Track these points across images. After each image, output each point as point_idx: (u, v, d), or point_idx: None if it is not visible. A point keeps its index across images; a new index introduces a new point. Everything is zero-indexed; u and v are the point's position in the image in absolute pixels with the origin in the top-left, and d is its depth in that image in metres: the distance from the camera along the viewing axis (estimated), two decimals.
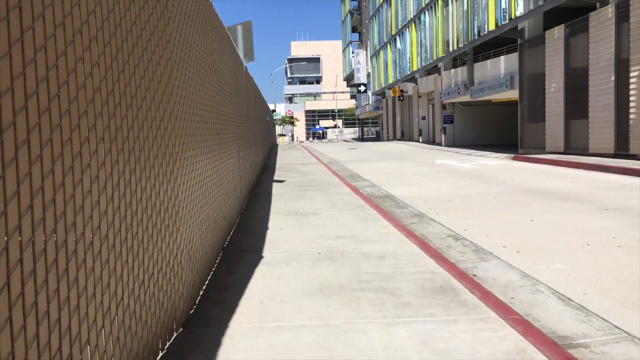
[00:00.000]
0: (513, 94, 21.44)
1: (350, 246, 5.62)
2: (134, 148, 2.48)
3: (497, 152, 22.12)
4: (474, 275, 4.95)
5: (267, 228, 6.68)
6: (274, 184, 11.94)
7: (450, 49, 25.89)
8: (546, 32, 18.16)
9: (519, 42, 20.25)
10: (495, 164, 16.86)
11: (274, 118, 54.48)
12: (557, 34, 17.49)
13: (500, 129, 29.87)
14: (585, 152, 16.11)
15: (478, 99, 25.04)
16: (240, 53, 10.43)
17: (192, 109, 3.95)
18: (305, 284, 4.27)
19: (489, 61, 23.97)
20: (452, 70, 28.69)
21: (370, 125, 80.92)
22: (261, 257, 5.15)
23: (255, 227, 6.78)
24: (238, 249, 5.56)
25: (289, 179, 13.18)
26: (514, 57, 21.33)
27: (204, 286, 4.26)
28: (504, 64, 22.32)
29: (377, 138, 58.51)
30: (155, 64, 2.93)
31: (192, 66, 3.97)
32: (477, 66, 25.29)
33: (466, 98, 26.23)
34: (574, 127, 16.87)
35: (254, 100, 12.57)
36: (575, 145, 16.79)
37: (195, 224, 4.01)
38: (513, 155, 18.87)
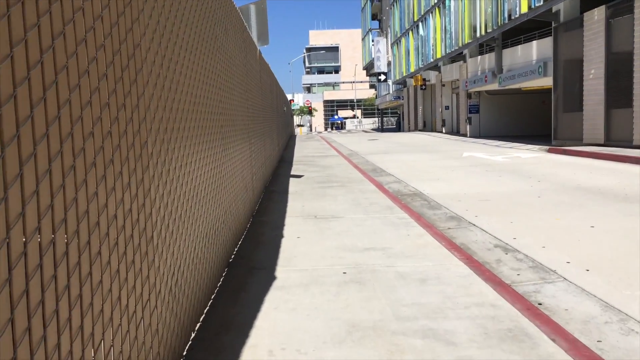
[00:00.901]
0: (546, 82, 20.11)
1: (381, 262, 4.62)
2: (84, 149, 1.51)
3: (528, 143, 20.84)
4: (540, 304, 3.92)
5: (281, 236, 5.71)
6: (291, 180, 10.97)
7: (478, 35, 24.56)
8: (584, 14, 16.82)
9: (553, 25, 18.90)
10: (529, 156, 15.66)
11: (292, 108, 53.51)
12: (597, 15, 16.14)
13: (528, 119, 28.47)
14: (629, 144, 14.82)
15: (507, 87, 23.72)
16: (254, 36, 9.43)
17: (180, 95, 2.97)
18: (328, 322, 3.28)
19: (519, 47, 22.62)
20: (479, 57, 27.34)
21: (389, 115, 79.52)
22: (274, 278, 4.17)
23: (268, 235, 5.80)
24: (246, 266, 4.59)
25: (307, 174, 12.19)
26: (547, 42, 19.98)
27: (200, 323, 3.31)
28: (536, 50, 20.98)
29: (397, 128, 57.17)
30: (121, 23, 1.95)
31: (180, 36, 2.99)
32: (506, 52, 23.94)
33: (494, 86, 24.90)
34: (616, 117, 15.57)
35: (269, 89, 11.58)
36: (617, 137, 15.50)
37: (188, 244, 3.05)
38: (548, 147, 17.62)
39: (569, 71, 18.22)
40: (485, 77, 25.24)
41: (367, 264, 4.57)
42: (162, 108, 2.59)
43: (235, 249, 5.09)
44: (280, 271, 4.39)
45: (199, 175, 3.41)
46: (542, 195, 8.67)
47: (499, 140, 23.98)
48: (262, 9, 9.71)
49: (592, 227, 6.29)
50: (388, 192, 9.13)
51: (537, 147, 18.72)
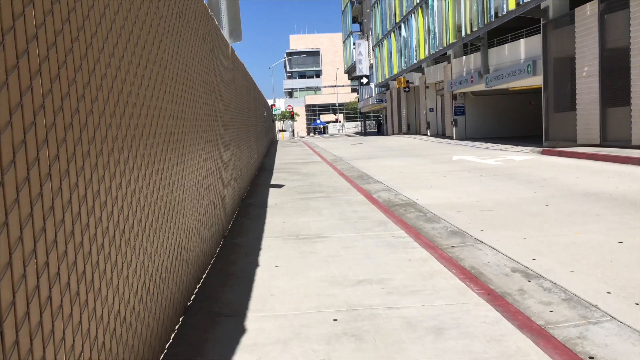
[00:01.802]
0: (536, 81, 19.41)
1: (381, 302, 3.64)
2: None
3: (518, 145, 20.10)
4: (591, 358, 2.99)
5: (256, 264, 4.71)
6: (271, 190, 9.96)
7: (463, 34, 23.82)
8: (576, 9, 16.11)
9: (542, 22, 18.20)
10: (523, 159, 14.85)
11: (274, 113, 52.48)
12: (589, 10, 15.44)
13: (515, 120, 27.84)
14: (627, 144, 14.09)
15: (494, 88, 22.99)
16: (225, 32, 8.43)
17: (93, 88, 1.98)
18: None
19: (506, 45, 21.91)
20: (464, 57, 26.63)
21: (372, 118, 78.81)
22: (243, 330, 3.18)
23: (240, 264, 4.80)
24: (209, 311, 3.58)
25: (288, 183, 11.20)
26: (536, 39, 19.28)
27: None
28: (524, 48, 20.27)
29: (378, 132, 56.42)
30: None
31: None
32: (493, 52, 23.23)
33: (481, 87, 24.18)
34: (612, 116, 14.85)
35: (245, 91, 10.58)
36: (614, 137, 14.77)
37: (115, 298, 2.05)
38: (541, 149, 16.86)
39: (560, 69, 17.51)
40: (471, 77, 24.51)
41: (363, 305, 3.59)
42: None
43: (198, 286, 4.08)
44: (251, 319, 3.39)
45: (130, 204, 2.41)
46: (549, 204, 7.79)
47: (487, 142, 23.24)
48: (233, 3, 8.72)
49: (621, 242, 5.40)
50: (378, 203, 8.17)
51: (529, 148, 17.96)
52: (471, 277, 4.19)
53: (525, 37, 20.46)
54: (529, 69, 19.16)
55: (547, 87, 18.27)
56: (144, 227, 2.63)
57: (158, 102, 3.07)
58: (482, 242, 5.80)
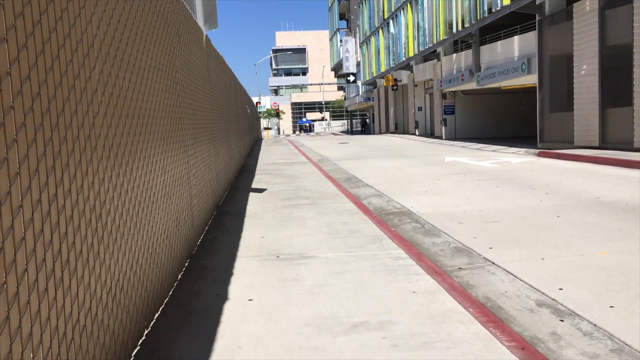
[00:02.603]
0: (530, 79, 18.69)
1: None
2: None
3: (510, 146, 19.38)
4: None
5: (225, 297, 3.80)
6: (252, 196, 9.04)
7: (454, 30, 23.05)
8: (574, 5, 15.38)
9: (537, 18, 17.47)
10: (520, 161, 14.09)
11: (259, 111, 51.44)
12: (589, 6, 14.71)
13: (506, 120, 27.19)
14: (629, 147, 13.38)
15: (486, 87, 22.26)
16: (199, 19, 7.49)
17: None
18: None
19: (499, 43, 21.18)
20: (454, 55, 25.89)
21: (358, 117, 77.98)
22: None
23: (205, 296, 3.88)
24: None
25: (271, 187, 10.28)
26: (531, 36, 18.56)
27: None
28: (518, 45, 19.54)
29: (363, 131, 55.61)
30: None
31: None
32: (485, 49, 22.49)
33: (472, 85, 23.44)
34: (613, 117, 14.14)
35: (224, 86, 9.63)
36: (615, 139, 14.06)
37: None
38: (537, 150, 16.12)
39: (557, 67, 16.79)
40: (462, 76, 23.77)
41: None
42: None
43: (146, 332, 3.16)
44: None
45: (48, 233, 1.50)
46: (560, 214, 6.98)
47: (478, 142, 22.51)
48: None
49: None
50: (370, 212, 7.31)
51: (523, 150, 17.23)
52: (495, 321, 3.33)
53: (520, 33, 19.74)
54: (524, 67, 18.44)
55: (543, 86, 17.55)
56: (52, 269, 1.73)
57: (77, 89, 2.16)
58: (493, 263, 4.96)
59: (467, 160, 15.13)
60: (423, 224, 6.85)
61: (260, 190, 9.62)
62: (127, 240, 2.80)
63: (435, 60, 28.27)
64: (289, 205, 7.92)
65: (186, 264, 4.68)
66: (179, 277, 4.28)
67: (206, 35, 7.30)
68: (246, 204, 8.17)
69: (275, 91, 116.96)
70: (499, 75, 20.33)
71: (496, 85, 21.65)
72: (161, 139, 3.84)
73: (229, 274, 4.36)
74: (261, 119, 59.55)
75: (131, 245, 2.89)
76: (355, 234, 5.87)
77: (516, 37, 19.74)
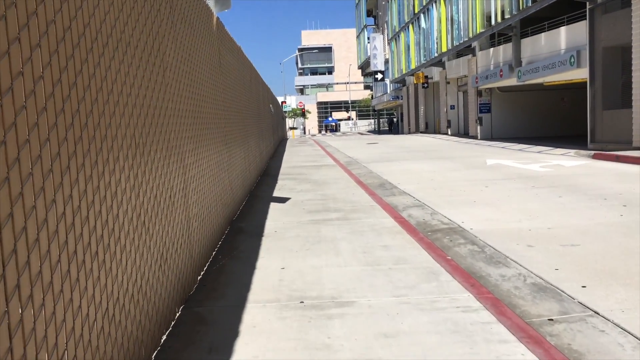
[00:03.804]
0: (580, 74, 17.06)
1: None
2: None
3: (556, 147, 17.78)
4: None
5: None
6: (272, 207, 7.80)
7: (493, 23, 21.47)
8: None
9: (588, 7, 15.85)
10: (574, 165, 12.56)
11: (284, 110, 50.40)
12: None
13: (546, 119, 25.44)
14: None
15: (527, 83, 20.64)
16: None
17: None
18: None
19: (542, 35, 19.54)
20: (491, 49, 24.27)
21: (385, 116, 76.30)
22: None
23: None
24: None
25: (295, 195, 9.03)
26: (580, 27, 16.93)
27: None
28: (565, 37, 17.91)
29: (393, 130, 54.00)
30: None
31: None
32: (526, 42, 20.86)
33: (511, 81, 21.82)
34: None
35: (240, 79, 8.42)
36: None
37: None
38: (589, 152, 14.54)
39: (611, 60, 15.16)
40: (501, 71, 22.16)
41: None
42: None
43: None
44: None
45: None
46: None
47: (518, 142, 20.89)
48: None
49: None
50: (414, 231, 5.99)
51: (572, 151, 15.65)
52: None
53: (567, 24, 18.10)
54: (572, 60, 16.82)
55: (594, 81, 15.92)
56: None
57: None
58: (596, 312, 3.62)
59: (513, 163, 13.65)
60: (482, 246, 5.52)
61: (283, 200, 8.38)
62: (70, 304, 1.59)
63: (470, 56, 26.67)
64: (315, 221, 6.65)
65: (178, 313, 3.45)
66: (163, 339, 3.04)
67: (217, 18, 6.09)
68: (265, 218, 6.92)
69: (301, 90, 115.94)
70: (543, 70, 18.72)
71: (539, 80, 20.02)
72: (130, 147, 2.61)
73: (234, 333, 3.11)
74: (286, 119, 58.54)
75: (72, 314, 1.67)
76: (402, 264, 4.57)
77: (563, 28, 18.11)
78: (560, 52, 18.15)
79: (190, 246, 3.91)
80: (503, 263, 4.92)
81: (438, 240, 5.80)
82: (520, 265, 4.80)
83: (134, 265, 2.56)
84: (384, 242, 5.42)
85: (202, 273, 4.34)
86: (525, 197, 8.30)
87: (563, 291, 4.08)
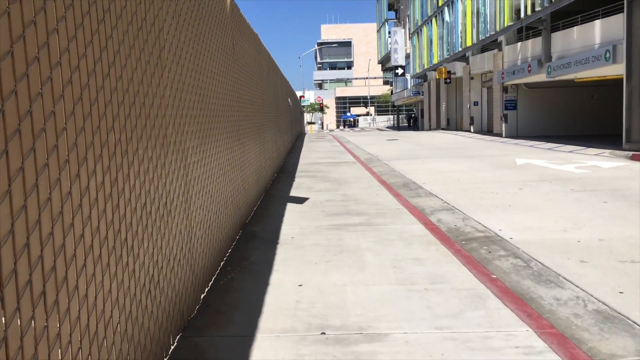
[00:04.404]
0: (616, 70, 16.14)
1: None
2: None
3: (588, 146, 16.90)
4: None
5: None
6: (289, 208, 7.18)
7: (522, 16, 20.55)
8: None
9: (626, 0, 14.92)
10: (613, 166, 11.74)
11: (303, 105, 49.78)
12: None
13: (576, 117, 24.45)
14: None
15: (557, 79, 19.72)
16: None
17: None
18: None
19: (575, 29, 18.61)
20: (519, 44, 23.33)
21: (404, 112, 75.22)
22: None
23: None
24: None
25: (313, 195, 8.41)
26: (616, 20, 16.01)
27: None
28: (600, 31, 16.98)
29: (409, 126, 53.04)
30: None
31: None
32: (557, 36, 19.93)
33: (540, 77, 20.90)
34: None
35: (257, 69, 7.80)
36: None
37: None
38: (625, 152, 13.68)
39: None
40: (529, 66, 21.25)
41: None
42: None
43: None
44: None
45: None
46: None
47: (546, 141, 19.99)
48: None
49: None
50: (449, 241, 5.33)
51: (607, 151, 14.78)
52: None
53: (602, 17, 17.16)
54: (607, 55, 15.91)
55: (632, 77, 15.00)
56: None
57: None
58: None
59: (544, 163, 12.85)
60: (526, 260, 4.84)
61: (301, 201, 7.75)
62: None
63: (495, 50, 25.75)
64: (336, 226, 6.01)
65: (173, 345, 2.84)
66: None
67: (232, 0, 5.46)
68: (281, 221, 6.30)
69: (320, 85, 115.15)
70: (575, 65, 17.80)
71: (571, 77, 19.09)
72: (106, 144, 1.99)
73: None
74: (305, 114, 57.93)
75: None
76: (439, 283, 3.91)
77: (597, 22, 17.17)
78: (594, 46, 17.23)
79: (192, 260, 3.30)
80: (555, 282, 4.25)
81: (474, 251, 5.14)
82: (576, 286, 4.12)
83: (108, 298, 1.95)
84: (415, 254, 4.77)
85: (206, 290, 3.74)
86: (565, 202, 7.58)
87: (635, 322, 3.40)
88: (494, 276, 4.15)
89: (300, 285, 3.87)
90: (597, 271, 4.49)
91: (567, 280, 4.28)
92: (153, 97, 2.60)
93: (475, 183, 9.79)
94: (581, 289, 4.07)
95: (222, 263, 4.42)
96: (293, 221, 6.31)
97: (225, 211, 4.68)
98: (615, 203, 7.36)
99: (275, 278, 4.05)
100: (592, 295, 3.92)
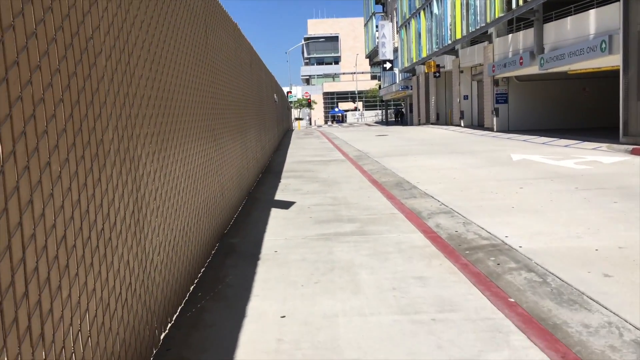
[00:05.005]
0: (612, 61, 15.65)
1: None
2: None
3: (583, 140, 16.42)
4: None
5: None
6: (273, 214, 6.53)
7: (514, 6, 20.00)
8: None
9: None
10: (614, 161, 11.22)
11: (290, 100, 49.00)
12: None
13: (568, 110, 24.01)
14: None
15: (551, 70, 19.22)
16: None
17: None
18: None
19: (568, 19, 18.09)
20: (510, 35, 22.81)
21: (393, 107, 74.68)
22: None
23: None
24: None
25: (300, 199, 7.76)
26: (612, 9, 15.50)
27: None
28: (595, 21, 16.48)
29: (402, 121, 52.51)
30: None
31: None
32: (549, 27, 19.42)
33: (533, 69, 20.39)
34: None
35: (236, 61, 7.12)
36: None
37: None
38: (626, 147, 13.19)
39: None
40: (521, 59, 20.73)
41: None
42: None
43: None
44: None
45: None
46: None
47: (538, 135, 19.50)
48: None
49: None
50: (456, 256, 4.72)
51: (604, 145, 14.30)
52: None
53: (596, 7, 16.66)
54: (603, 46, 15.40)
55: (629, 68, 14.50)
56: None
57: None
58: None
59: (541, 158, 12.32)
60: (542, 274, 4.24)
61: (286, 205, 7.11)
62: None
63: (486, 43, 25.22)
64: (326, 236, 5.37)
65: None
66: None
67: None
68: (264, 230, 5.65)
69: (307, 81, 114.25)
70: (569, 56, 17.29)
71: (564, 68, 18.60)
72: None
73: None
74: (292, 109, 57.15)
75: None
76: (449, 310, 3.30)
77: (592, 11, 16.67)
78: (589, 37, 16.72)
79: (147, 294, 2.65)
80: (580, 303, 3.65)
81: (481, 263, 4.54)
82: (606, 309, 3.53)
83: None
84: (417, 270, 4.15)
85: (169, 326, 3.09)
86: (572, 203, 7.00)
87: None
88: (512, 300, 3.54)
89: (283, 317, 3.23)
90: (625, 288, 3.90)
91: (593, 300, 3.69)
92: (78, 92, 1.94)
93: (472, 182, 9.21)
94: (611, 311, 3.48)
95: (192, 287, 3.77)
96: (277, 230, 5.67)
97: (197, 225, 4.03)
98: (627, 203, 6.80)
99: (253, 307, 3.41)
100: (626, 321, 3.33)
